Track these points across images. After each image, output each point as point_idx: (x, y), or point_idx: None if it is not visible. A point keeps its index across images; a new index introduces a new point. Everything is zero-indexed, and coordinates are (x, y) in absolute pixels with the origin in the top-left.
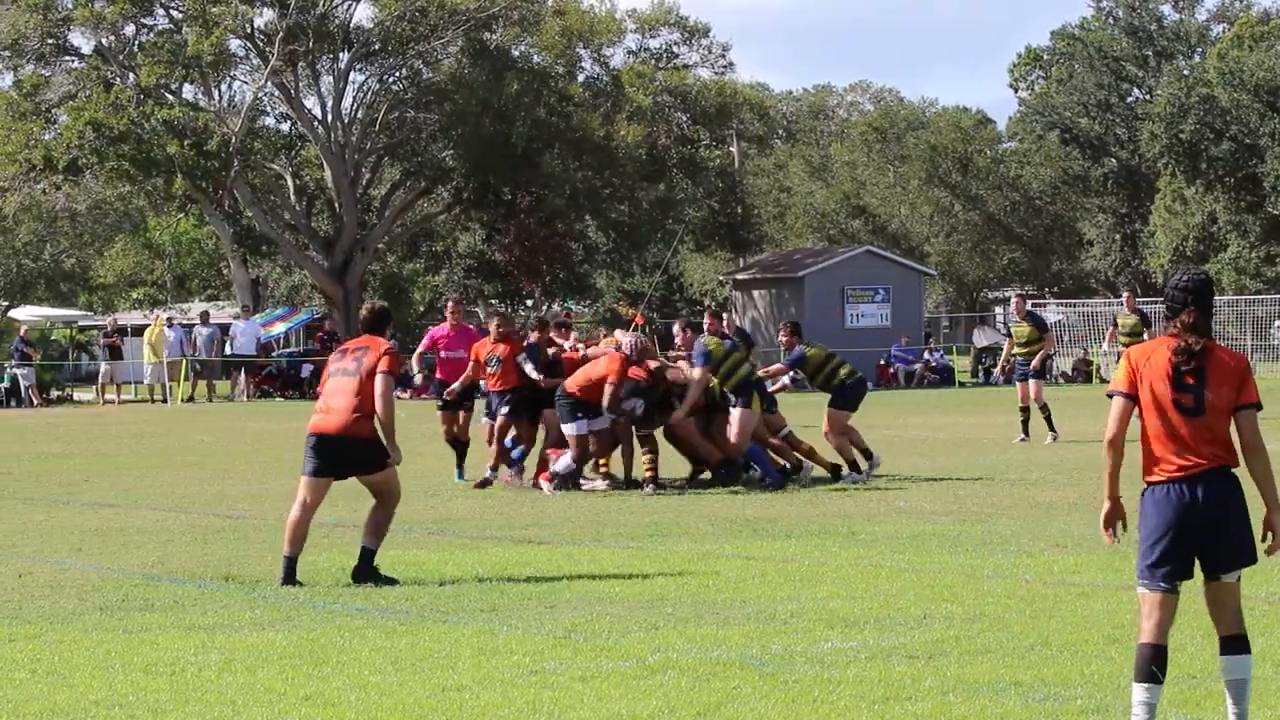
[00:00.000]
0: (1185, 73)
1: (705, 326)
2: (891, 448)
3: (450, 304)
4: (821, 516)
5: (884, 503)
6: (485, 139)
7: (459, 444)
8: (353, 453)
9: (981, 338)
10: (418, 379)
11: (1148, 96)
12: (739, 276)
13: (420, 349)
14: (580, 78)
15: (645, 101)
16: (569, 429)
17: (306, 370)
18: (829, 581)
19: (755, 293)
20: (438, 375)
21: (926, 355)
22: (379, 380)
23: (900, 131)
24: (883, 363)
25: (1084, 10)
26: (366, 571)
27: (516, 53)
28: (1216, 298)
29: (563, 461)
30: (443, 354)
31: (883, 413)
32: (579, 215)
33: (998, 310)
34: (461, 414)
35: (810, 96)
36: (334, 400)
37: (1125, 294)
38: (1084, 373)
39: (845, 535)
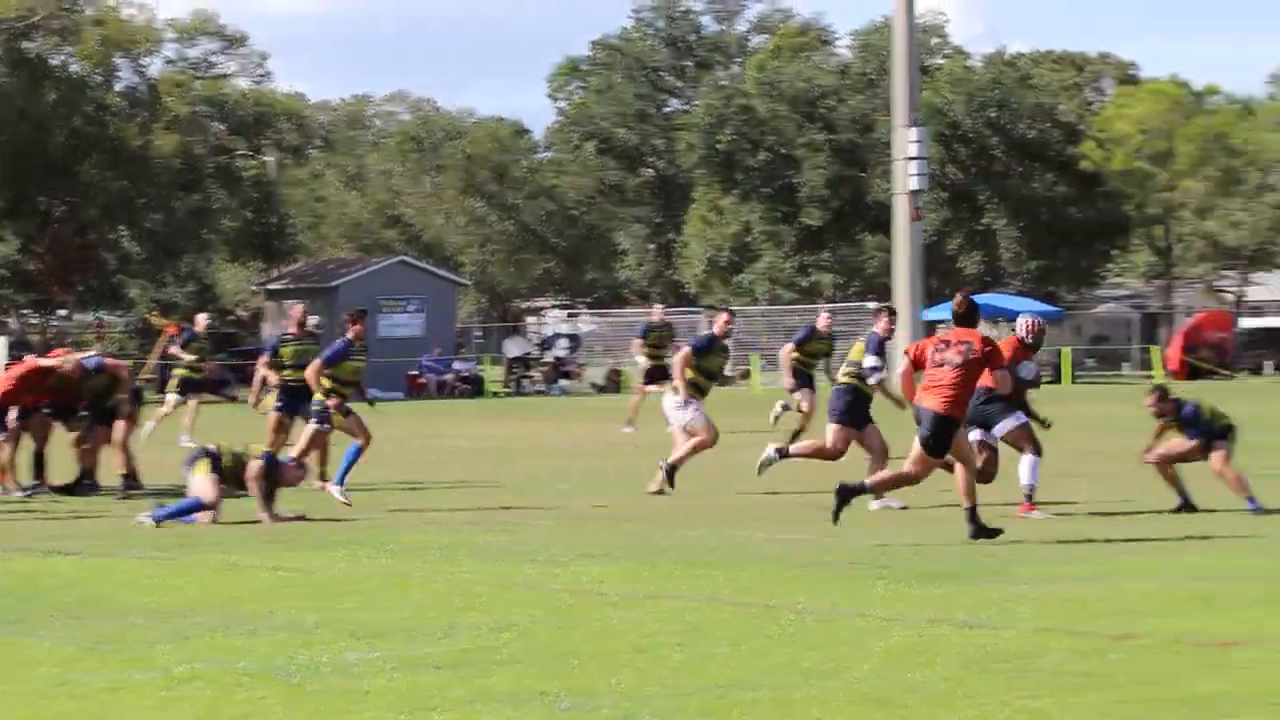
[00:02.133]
0: (724, 83)
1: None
2: (423, 458)
3: None
4: (350, 528)
5: (415, 513)
6: (22, 148)
7: None
8: (940, 431)
9: (513, 348)
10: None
11: (686, 107)
12: (272, 286)
13: None
14: (118, 87)
15: (183, 111)
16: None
17: None
18: (357, 592)
19: (288, 303)
20: None
21: (458, 365)
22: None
23: (437, 141)
24: (414, 373)
25: (624, 21)
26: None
27: (55, 62)
28: (750, 308)
29: None
30: None
31: (414, 422)
32: (114, 225)
33: (530, 320)
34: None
35: (348, 106)
36: (939, 384)
37: (656, 308)
38: (615, 383)
39: (374, 546)
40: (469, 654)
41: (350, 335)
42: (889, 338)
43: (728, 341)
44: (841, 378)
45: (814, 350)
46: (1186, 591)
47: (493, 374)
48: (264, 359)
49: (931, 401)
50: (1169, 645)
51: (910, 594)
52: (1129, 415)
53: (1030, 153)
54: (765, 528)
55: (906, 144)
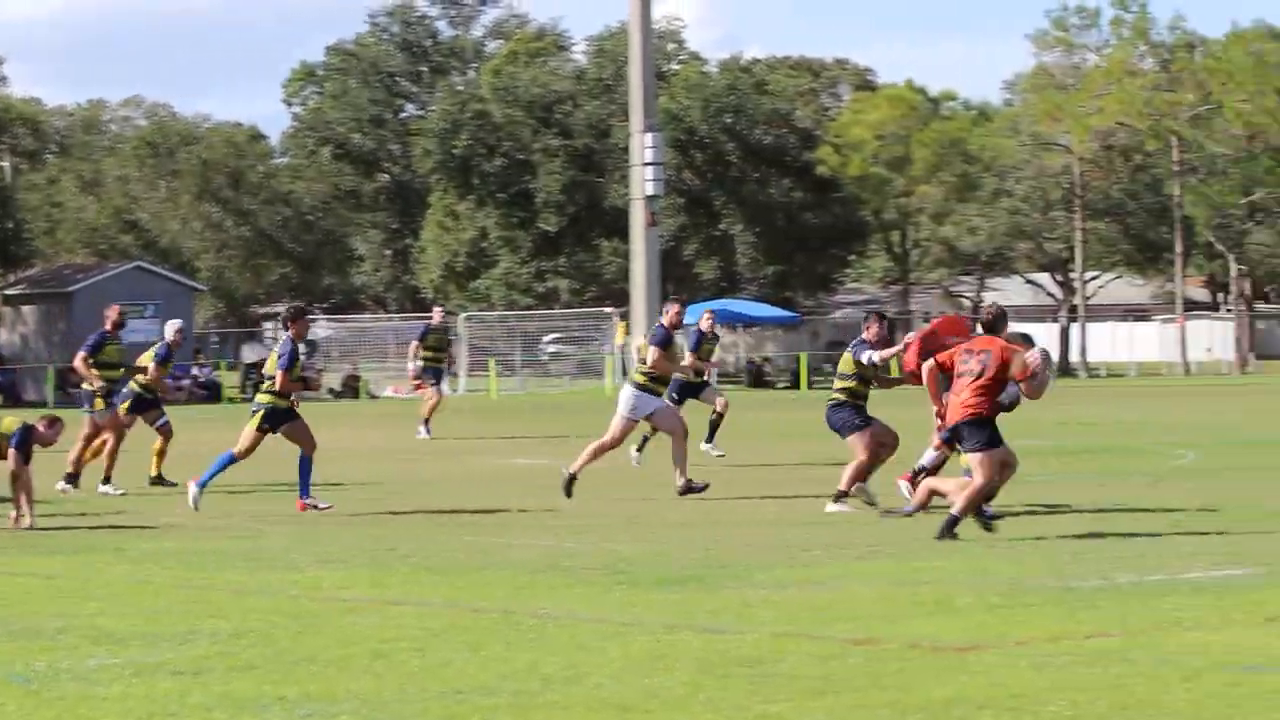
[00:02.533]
0: (460, 89)
1: None
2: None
3: None
4: (89, 534)
5: (153, 519)
6: None
7: None
8: (968, 435)
9: (251, 353)
10: None
11: (422, 112)
12: (9, 292)
13: None
14: None
15: None
16: None
17: None
18: (96, 598)
19: (25, 309)
20: None
21: (195, 371)
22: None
23: (173, 146)
24: None
25: (360, 26)
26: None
27: None
28: (486, 314)
29: None
30: None
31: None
32: None
33: (267, 326)
34: None
35: (84, 111)
36: (961, 395)
37: (436, 310)
38: (353, 388)
39: (113, 551)
40: (208, 660)
41: (292, 334)
42: (879, 342)
43: (678, 334)
44: (834, 392)
45: (706, 354)
46: (925, 596)
47: (230, 380)
48: (82, 355)
49: (957, 415)
50: (907, 650)
51: (649, 599)
52: None
53: (767, 158)
54: (505, 533)
55: (643, 149)
